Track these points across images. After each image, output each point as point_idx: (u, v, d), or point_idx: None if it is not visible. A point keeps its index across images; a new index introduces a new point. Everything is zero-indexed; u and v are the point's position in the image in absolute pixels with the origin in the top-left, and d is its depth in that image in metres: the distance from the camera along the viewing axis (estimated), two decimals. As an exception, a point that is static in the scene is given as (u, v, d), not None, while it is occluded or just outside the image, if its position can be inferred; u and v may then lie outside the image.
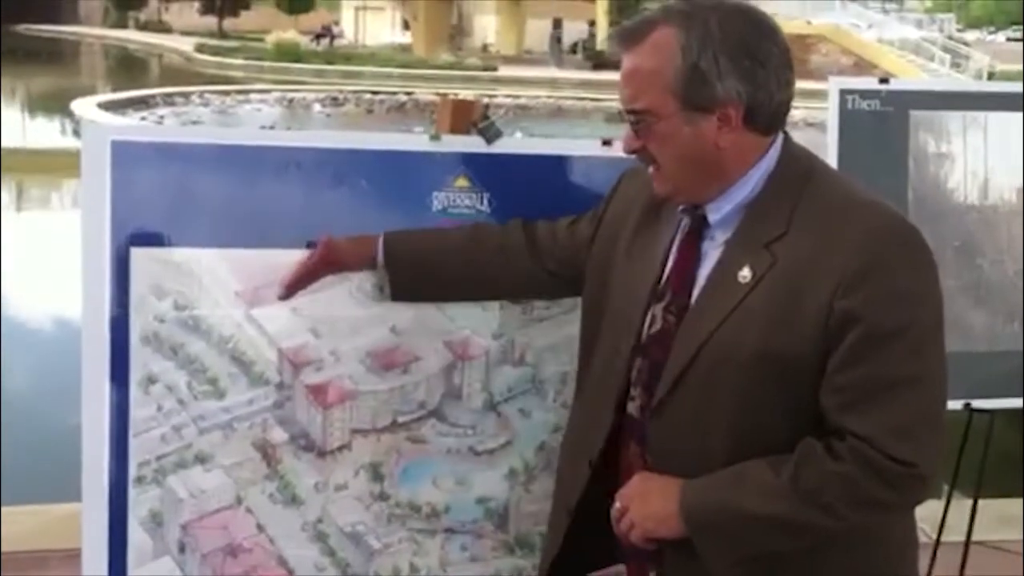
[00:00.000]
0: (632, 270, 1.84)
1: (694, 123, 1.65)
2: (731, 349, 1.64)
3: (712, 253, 1.73)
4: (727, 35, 1.63)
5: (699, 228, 1.76)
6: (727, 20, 1.64)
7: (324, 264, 2.05)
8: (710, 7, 1.65)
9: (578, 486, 1.89)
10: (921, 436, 1.59)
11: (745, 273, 1.66)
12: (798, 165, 1.72)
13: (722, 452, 1.67)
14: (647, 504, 1.72)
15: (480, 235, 2.10)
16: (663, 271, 1.80)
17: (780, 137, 1.73)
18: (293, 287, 2.06)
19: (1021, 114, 2.71)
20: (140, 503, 2.05)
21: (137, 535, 2.05)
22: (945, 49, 35.43)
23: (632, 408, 1.82)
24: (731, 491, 1.64)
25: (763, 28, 1.67)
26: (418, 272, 2.07)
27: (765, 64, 1.65)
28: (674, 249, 1.80)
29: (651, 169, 1.75)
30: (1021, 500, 4.30)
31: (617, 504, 1.77)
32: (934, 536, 3.09)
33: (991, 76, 30.12)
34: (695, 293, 1.73)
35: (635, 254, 1.85)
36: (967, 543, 3.00)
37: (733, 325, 1.65)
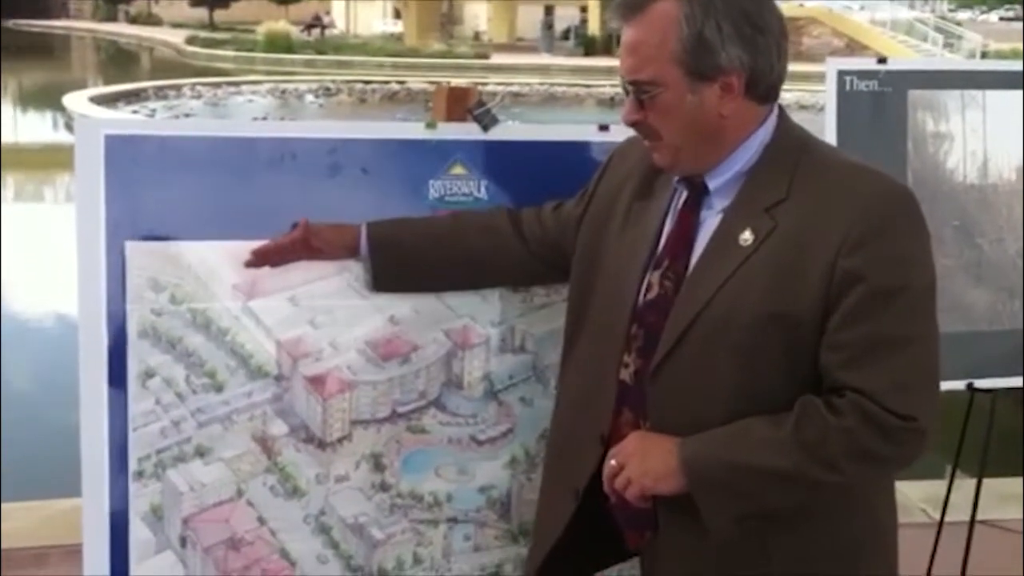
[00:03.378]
0: (626, 243, 1.85)
1: (698, 92, 1.67)
2: (732, 311, 1.66)
3: (710, 221, 1.75)
4: (729, 3, 1.65)
5: (697, 197, 1.77)
6: None
7: (300, 245, 2.04)
8: None
9: (587, 463, 1.85)
10: (919, 391, 1.62)
11: (747, 236, 1.68)
12: (794, 135, 1.75)
13: (722, 413, 1.68)
14: (646, 460, 1.72)
15: (464, 219, 2.10)
16: (659, 240, 1.81)
17: (776, 108, 1.75)
18: (261, 258, 2.03)
19: (1020, 92, 2.70)
20: (140, 498, 2.03)
21: (138, 530, 2.04)
22: (938, 29, 35.38)
23: (625, 375, 1.82)
24: (732, 445, 1.66)
25: None
26: (402, 261, 2.06)
27: (765, 32, 1.67)
28: (670, 217, 1.81)
29: (649, 142, 1.76)
30: (1022, 479, 4.31)
31: (612, 462, 1.76)
32: (937, 516, 3.09)
33: (984, 56, 30.08)
34: (693, 260, 1.74)
35: (629, 228, 1.86)
36: (972, 522, 3.00)
37: (735, 287, 1.67)
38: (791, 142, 1.73)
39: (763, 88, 1.70)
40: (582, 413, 1.90)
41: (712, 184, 1.74)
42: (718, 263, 1.70)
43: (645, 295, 1.80)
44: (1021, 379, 2.76)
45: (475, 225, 2.08)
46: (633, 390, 1.81)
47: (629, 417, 1.82)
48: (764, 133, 1.73)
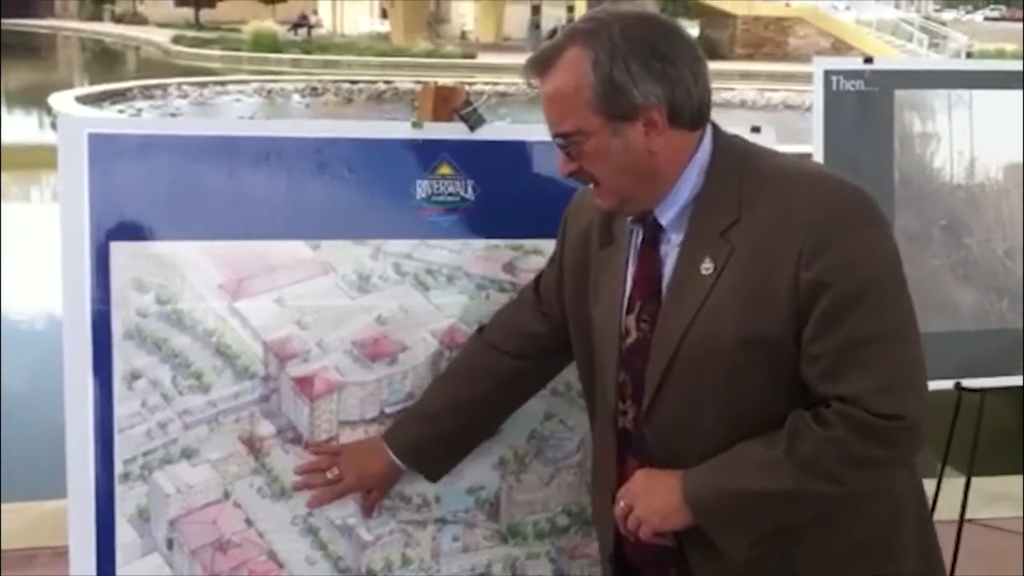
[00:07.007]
0: (602, 294, 1.86)
1: (621, 134, 1.67)
2: (709, 340, 1.66)
3: (671, 254, 1.75)
4: (632, 42, 1.65)
5: (654, 234, 1.76)
6: (629, 29, 1.66)
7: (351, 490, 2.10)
8: (611, 20, 1.67)
9: (609, 527, 1.87)
10: (902, 388, 1.61)
11: (707, 265, 1.68)
12: (732, 152, 1.74)
13: (720, 440, 1.68)
14: (652, 499, 1.73)
15: (459, 386, 2.09)
16: (627, 283, 1.81)
17: (709, 129, 1.74)
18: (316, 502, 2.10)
19: (1007, 92, 2.71)
20: (127, 500, 2.02)
21: (125, 532, 2.02)
22: (923, 29, 35.51)
23: (625, 423, 1.83)
24: (729, 473, 1.66)
25: (665, 29, 1.69)
26: (439, 455, 2.10)
27: (675, 62, 1.66)
28: (632, 260, 1.81)
29: (592, 187, 1.76)
30: (1014, 477, 4.32)
31: (621, 503, 1.78)
32: (926, 515, 3.10)
33: (969, 56, 30.19)
34: (663, 296, 1.74)
35: (602, 279, 1.87)
36: (961, 521, 3.01)
37: (706, 317, 1.66)
38: (731, 159, 1.72)
39: (687, 116, 1.69)
40: (603, 471, 1.91)
41: (663, 219, 1.74)
42: (686, 297, 1.69)
43: (625, 340, 1.80)
44: (1010, 379, 2.77)
45: (479, 383, 2.08)
46: (635, 436, 1.81)
47: (635, 464, 1.82)
48: (702, 157, 1.72)
